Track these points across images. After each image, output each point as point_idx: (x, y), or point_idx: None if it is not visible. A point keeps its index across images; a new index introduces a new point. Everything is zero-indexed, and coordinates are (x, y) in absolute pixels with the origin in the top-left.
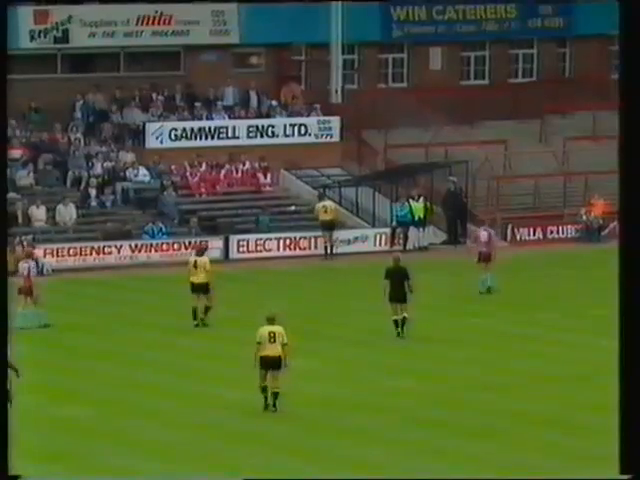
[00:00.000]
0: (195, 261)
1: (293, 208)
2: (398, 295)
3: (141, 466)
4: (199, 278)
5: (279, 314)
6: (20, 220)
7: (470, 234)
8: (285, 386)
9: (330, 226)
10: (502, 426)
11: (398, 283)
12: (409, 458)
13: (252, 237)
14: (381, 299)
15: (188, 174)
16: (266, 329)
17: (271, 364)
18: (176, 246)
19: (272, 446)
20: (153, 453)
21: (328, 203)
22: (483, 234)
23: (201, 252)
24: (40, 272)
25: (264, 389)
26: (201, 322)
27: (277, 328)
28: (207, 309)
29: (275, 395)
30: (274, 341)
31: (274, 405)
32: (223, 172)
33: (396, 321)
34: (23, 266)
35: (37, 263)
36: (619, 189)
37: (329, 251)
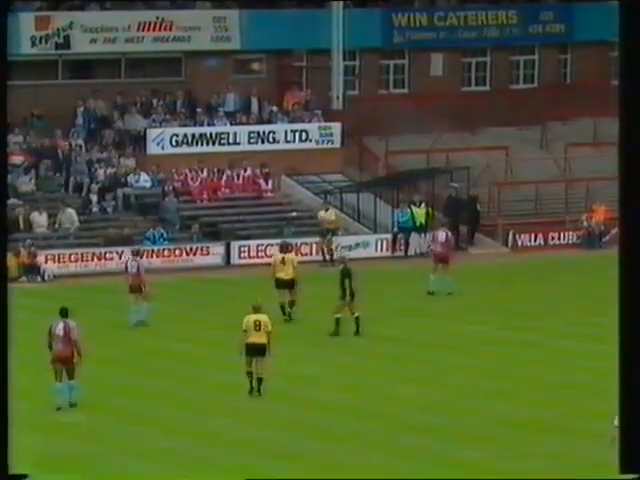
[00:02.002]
0: (283, 258)
1: (294, 214)
2: (345, 293)
3: (142, 473)
4: (287, 274)
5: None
6: (21, 226)
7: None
8: (285, 392)
9: (331, 233)
10: (502, 433)
11: (347, 283)
12: (408, 464)
13: (253, 243)
14: (381, 305)
15: (189, 180)
16: (252, 317)
17: (257, 351)
18: (177, 252)
19: (272, 452)
20: (154, 460)
21: (331, 212)
22: (441, 235)
23: (286, 249)
24: (42, 278)
25: (249, 374)
26: (289, 317)
27: (262, 317)
28: (292, 303)
29: (259, 380)
30: (259, 329)
31: (258, 390)
32: (224, 178)
33: (338, 319)
34: (132, 264)
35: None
36: (619, 195)
37: (329, 257)
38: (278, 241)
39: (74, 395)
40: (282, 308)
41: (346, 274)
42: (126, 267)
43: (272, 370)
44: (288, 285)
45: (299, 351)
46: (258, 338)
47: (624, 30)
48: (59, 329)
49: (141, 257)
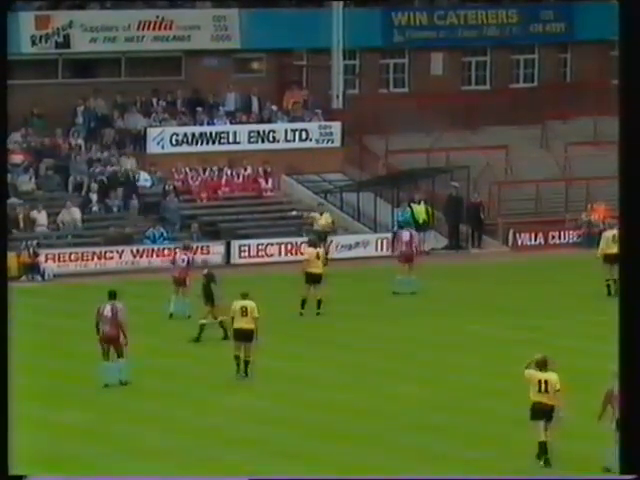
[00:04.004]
0: (317, 253)
1: (294, 213)
2: (209, 299)
3: (142, 472)
4: (319, 269)
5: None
6: (22, 225)
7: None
8: (285, 391)
9: (324, 236)
10: (502, 432)
11: (209, 287)
12: (409, 463)
13: (253, 242)
14: (382, 304)
15: (190, 179)
16: (238, 303)
17: (244, 336)
18: (177, 251)
19: (272, 451)
20: (154, 459)
21: (326, 216)
22: (405, 234)
23: (316, 244)
24: (42, 277)
25: (237, 357)
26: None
27: (249, 303)
28: (320, 302)
29: (246, 363)
30: (246, 315)
31: (245, 372)
32: (224, 177)
33: (202, 325)
34: (181, 257)
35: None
36: (619, 194)
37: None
38: (279, 240)
39: (124, 374)
40: (303, 302)
41: (210, 279)
42: (173, 260)
43: (272, 370)
44: (317, 280)
45: (299, 350)
46: (245, 324)
47: (624, 29)
48: (107, 310)
49: (194, 253)
